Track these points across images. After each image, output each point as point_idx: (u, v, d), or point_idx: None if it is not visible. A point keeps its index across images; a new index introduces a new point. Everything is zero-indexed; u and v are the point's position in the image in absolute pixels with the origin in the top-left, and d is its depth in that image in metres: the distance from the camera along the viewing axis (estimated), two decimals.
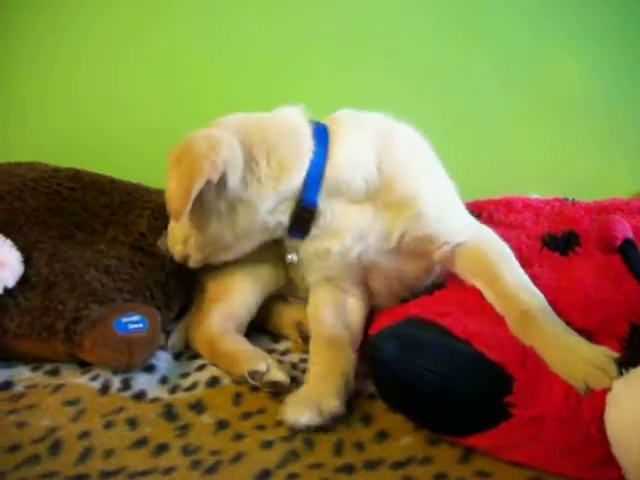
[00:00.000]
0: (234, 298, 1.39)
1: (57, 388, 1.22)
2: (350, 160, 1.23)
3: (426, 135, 1.34)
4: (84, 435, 1.08)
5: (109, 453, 1.04)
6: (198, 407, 1.17)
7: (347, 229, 1.24)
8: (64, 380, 1.25)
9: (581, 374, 0.98)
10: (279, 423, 1.10)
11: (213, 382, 1.25)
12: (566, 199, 1.69)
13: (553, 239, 1.38)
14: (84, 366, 1.29)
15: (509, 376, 1.01)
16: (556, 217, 1.53)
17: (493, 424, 1.00)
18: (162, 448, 1.06)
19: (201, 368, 1.31)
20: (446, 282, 1.32)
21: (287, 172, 1.21)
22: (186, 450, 1.05)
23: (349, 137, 1.25)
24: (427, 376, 1.02)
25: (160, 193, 1.57)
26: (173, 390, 1.23)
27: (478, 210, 1.58)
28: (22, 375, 1.27)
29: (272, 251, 1.38)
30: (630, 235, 1.09)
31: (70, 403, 1.17)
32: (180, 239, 1.33)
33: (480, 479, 0.98)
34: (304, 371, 1.30)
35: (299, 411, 1.08)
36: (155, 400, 1.20)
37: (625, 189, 1.73)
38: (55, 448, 1.05)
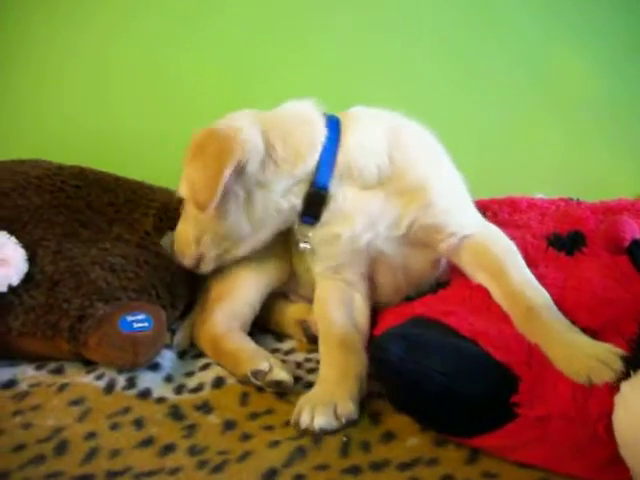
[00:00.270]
0: (237, 297, 1.40)
1: (62, 387, 1.21)
2: (362, 147, 1.26)
3: (434, 133, 1.35)
4: (90, 435, 1.08)
5: (115, 453, 1.04)
6: (205, 407, 1.17)
7: (358, 214, 1.25)
8: (69, 379, 1.24)
9: (584, 368, 0.98)
10: (287, 423, 1.10)
11: (218, 382, 1.25)
12: (571, 199, 1.68)
13: (559, 239, 1.38)
14: (88, 365, 1.29)
15: (515, 376, 1.01)
16: (561, 217, 1.52)
17: (500, 424, 0.99)
18: (168, 448, 1.05)
19: (206, 367, 1.31)
20: (451, 281, 1.32)
21: (302, 156, 1.24)
22: (193, 450, 1.05)
23: (361, 127, 1.28)
24: (433, 377, 1.02)
25: (164, 192, 1.57)
26: (178, 389, 1.23)
27: (482, 209, 1.57)
28: (26, 373, 1.27)
29: (274, 248, 1.39)
30: (638, 236, 1.08)
31: (75, 403, 1.17)
32: (191, 240, 1.33)
33: None
34: (309, 370, 1.30)
35: (315, 414, 1.08)
36: (161, 400, 1.19)
37: (631, 190, 1.73)
38: (61, 448, 1.05)
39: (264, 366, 1.21)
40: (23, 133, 2.02)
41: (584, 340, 1.05)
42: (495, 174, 1.96)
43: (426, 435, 1.06)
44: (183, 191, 1.31)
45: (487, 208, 1.62)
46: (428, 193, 1.25)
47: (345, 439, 1.06)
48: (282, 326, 1.47)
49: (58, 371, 1.28)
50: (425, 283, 1.34)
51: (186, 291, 1.44)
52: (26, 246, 1.34)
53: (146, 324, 1.26)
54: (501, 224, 1.46)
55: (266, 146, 1.24)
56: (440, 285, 1.32)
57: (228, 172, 1.17)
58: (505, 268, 1.21)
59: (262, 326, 1.46)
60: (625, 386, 0.93)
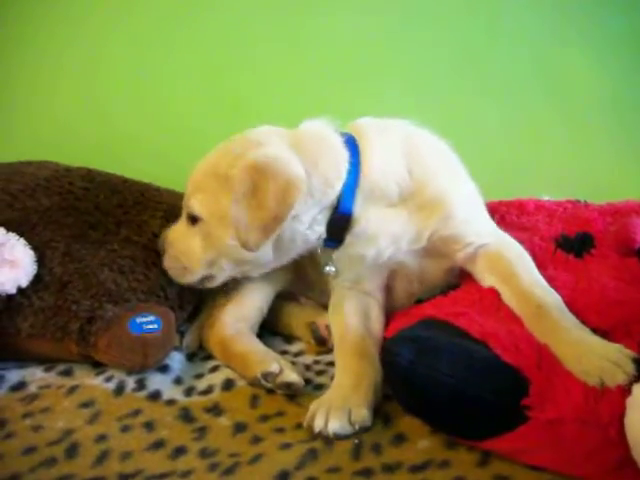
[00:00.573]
0: (245, 299, 1.40)
1: (71, 389, 1.21)
2: (382, 167, 1.25)
3: (447, 142, 1.36)
4: (100, 438, 1.08)
5: (126, 456, 1.04)
6: (215, 410, 1.17)
7: (382, 234, 1.25)
8: (78, 381, 1.24)
9: (596, 369, 0.98)
10: (298, 426, 1.10)
11: (228, 385, 1.25)
12: (578, 201, 1.68)
13: (567, 241, 1.38)
14: (98, 366, 1.28)
15: (526, 379, 1.01)
16: (570, 219, 1.52)
17: (511, 428, 0.99)
18: (179, 451, 1.05)
19: (215, 369, 1.31)
20: (460, 283, 1.32)
21: (331, 185, 1.22)
22: (204, 453, 1.05)
23: (377, 145, 1.27)
24: (443, 381, 1.02)
25: (171, 194, 1.57)
26: (188, 392, 1.23)
27: (491, 212, 1.57)
28: (35, 375, 1.27)
29: None
30: None
31: (85, 405, 1.17)
32: (203, 262, 1.30)
33: None
34: (318, 373, 1.30)
35: (329, 418, 1.07)
36: (171, 402, 1.19)
37: (637, 191, 1.73)
38: (71, 451, 1.05)
39: (274, 368, 1.21)
40: (16, 138, 2.02)
41: (594, 340, 1.05)
42: (502, 176, 1.96)
43: (437, 437, 1.06)
44: (199, 209, 1.26)
45: (495, 211, 1.61)
46: (448, 205, 1.26)
47: (356, 441, 1.06)
48: (291, 328, 1.47)
49: (67, 373, 1.28)
50: (437, 287, 1.34)
51: (194, 293, 1.43)
52: (35, 248, 1.34)
53: (155, 326, 1.26)
54: (509, 226, 1.46)
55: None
56: (450, 287, 1.32)
57: (285, 218, 1.16)
58: (515, 270, 1.22)
59: (271, 328, 1.46)
60: (637, 388, 0.93)
